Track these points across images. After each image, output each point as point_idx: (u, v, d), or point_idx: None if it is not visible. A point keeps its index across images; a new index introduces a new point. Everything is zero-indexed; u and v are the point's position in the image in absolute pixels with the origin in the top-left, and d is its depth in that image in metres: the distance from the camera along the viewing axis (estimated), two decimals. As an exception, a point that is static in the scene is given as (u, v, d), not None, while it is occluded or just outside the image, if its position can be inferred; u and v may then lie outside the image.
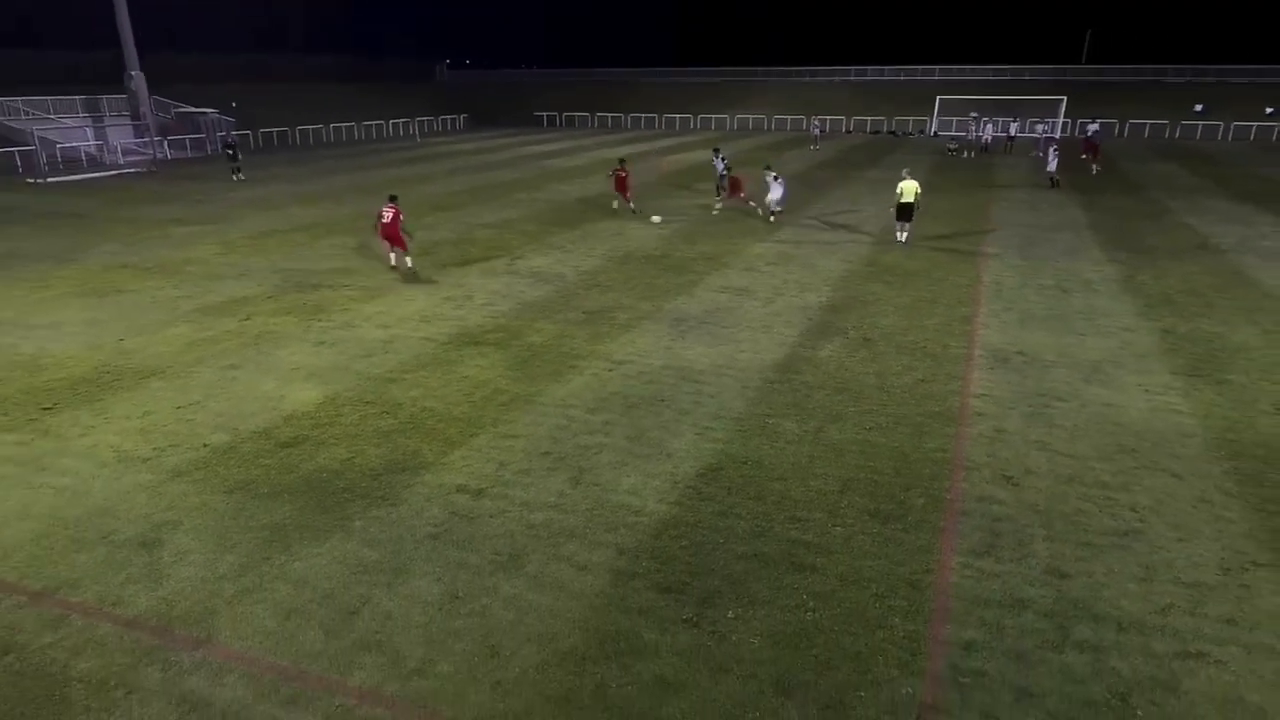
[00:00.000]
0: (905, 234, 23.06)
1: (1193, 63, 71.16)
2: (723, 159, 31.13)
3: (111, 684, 6.48)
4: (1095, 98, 65.99)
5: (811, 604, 7.41)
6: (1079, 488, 9.47)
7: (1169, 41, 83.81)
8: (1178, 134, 62.83)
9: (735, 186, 27.81)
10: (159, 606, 7.43)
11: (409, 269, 20.13)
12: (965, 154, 49.57)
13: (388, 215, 19.50)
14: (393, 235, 19.64)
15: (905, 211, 22.62)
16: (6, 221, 28.35)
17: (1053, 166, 34.66)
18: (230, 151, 40.73)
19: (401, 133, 70.56)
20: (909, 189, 22.35)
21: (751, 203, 27.65)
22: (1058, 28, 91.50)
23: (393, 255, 20.42)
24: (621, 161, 28.80)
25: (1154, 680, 6.49)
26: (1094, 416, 11.42)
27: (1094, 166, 39.69)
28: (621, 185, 28.44)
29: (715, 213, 27.84)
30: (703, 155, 50.14)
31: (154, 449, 10.60)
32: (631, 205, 28.39)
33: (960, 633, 7.02)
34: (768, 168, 27.34)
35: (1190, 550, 8.23)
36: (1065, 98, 62.42)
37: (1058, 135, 53.41)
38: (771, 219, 26.32)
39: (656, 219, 26.14)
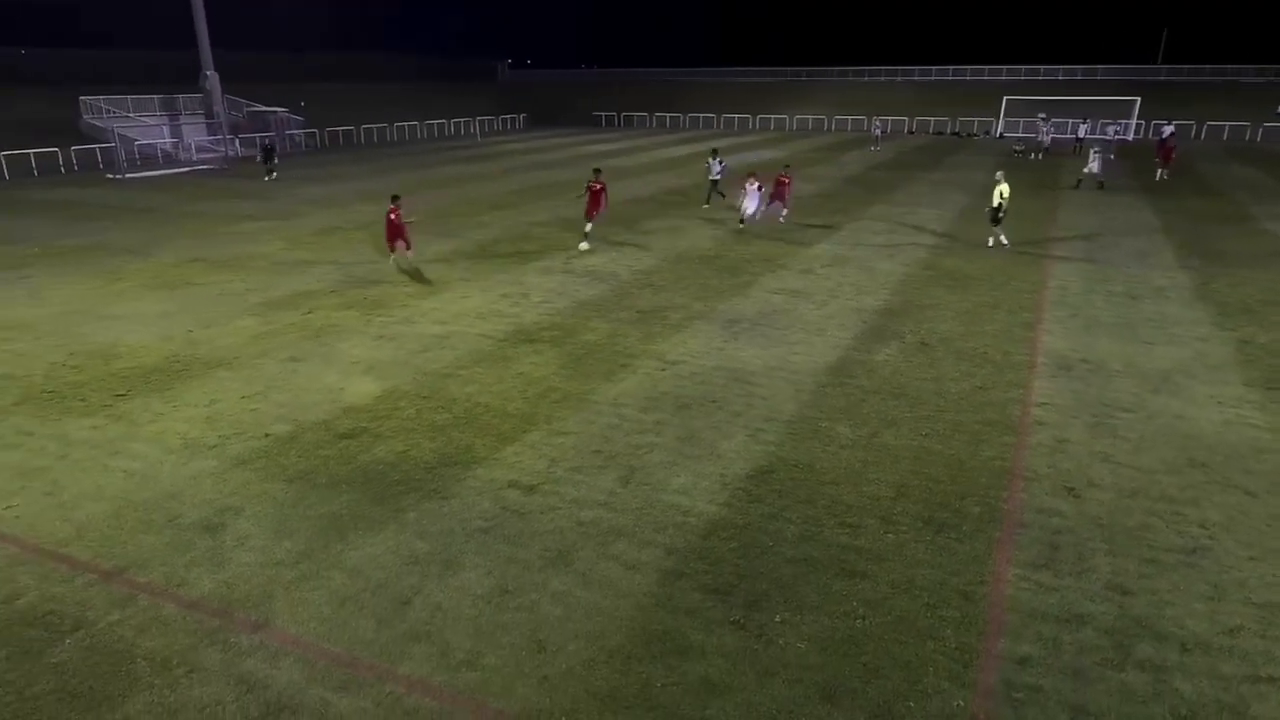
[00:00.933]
0: (996, 238, 22.34)
1: (1275, 62, 68.21)
2: (720, 163, 29.52)
3: (174, 662, 6.71)
4: (1170, 98, 63.71)
5: (861, 611, 7.31)
6: (1144, 502, 9.16)
7: (1249, 40, 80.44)
8: (1259, 136, 60.33)
9: (780, 189, 26.10)
10: (220, 589, 7.67)
11: (389, 264, 20.84)
12: (1033, 155, 48.36)
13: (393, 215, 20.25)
14: (396, 234, 20.29)
15: (994, 214, 21.90)
16: (89, 216, 29.59)
17: (1093, 168, 33.60)
18: (266, 155, 40.91)
19: (462, 131, 71.60)
20: (1007, 191, 21.53)
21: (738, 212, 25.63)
22: (1132, 26, 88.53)
23: (402, 254, 20.80)
24: (597, 172, 24.24)
25: (1220, 704, 6.24)
26: (1162, 428, 11.03)
27: (1161, 172, 37.87)
28: (596, 201, 23.25)
29: (741, 227, 25.29)
30: (760, 156, 49.82)
31: (219, 437, 10.94)
32: (588, 226, 23.47)
33: (1015, 647, 6.84)
34: (751, 175, 25.49)
35: (1263, 570, 7.89)
36: (1139, 98, 60.51)
37: (1117, 137, 51.65)
38: (742, 225, 25.16)
39: (584, 245, 22.58)
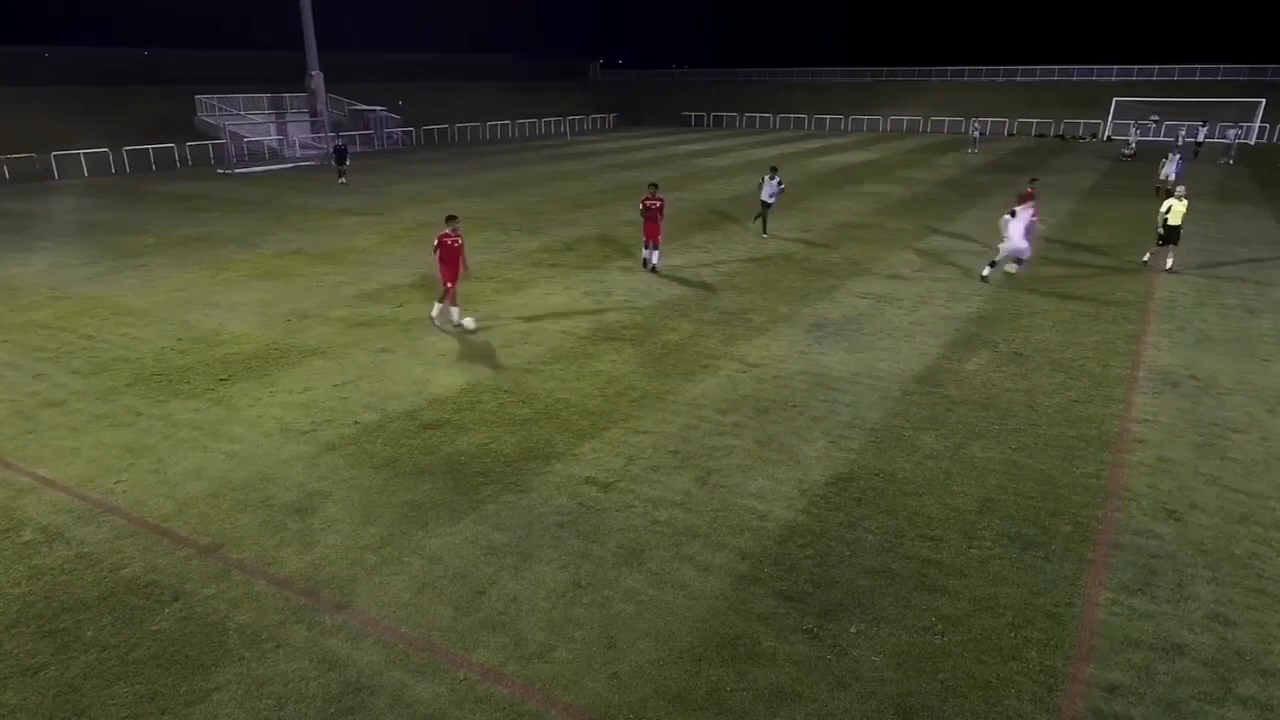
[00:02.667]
0: (1170, 259, 19.80)
1: None
2: (779, 182, 24.33)
3: (263, 637, 7.03)
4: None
5: (940, 627, 7.11)
6: (1254, 528, 8.63)
7: (1395, 37, 74.69)
8: (1400, 141, 55.97)
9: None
10: (307, 570, 7.99)
11: (433, 315, 16.10)
12: (1124, 155, 46.06)
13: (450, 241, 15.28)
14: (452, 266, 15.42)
15: (1172, 234, 19.58)
16: (200, 208, 31.26)
17: (1168, 172, 31.47)
18: (339, 157, 39.89)
19: (553, 131, 72.66)
20: (1178, 209, 19.36)
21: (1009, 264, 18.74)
22: (1257, 23, 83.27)
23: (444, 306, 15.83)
24: (654, 187, 20.13)
25: (1332, 749, 5.84)
26: (1277, 451, 10.37)
27: None
28: (655, 223, 19.65)
29: (1006, 272, 18.71)
30: (847, 159, 48.99)
31: (311, 423, 11.40)
32: (656, 258, 20.04)
33: (1104, 673, 6.55)
34: (1028, 198, 18.68)
35: (1386, 608, 7.34)
36: (1264, 100, 56.94)
37: (1238, 140, 48.52)
38: (1014, 269, 18.61)
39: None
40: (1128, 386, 12.52)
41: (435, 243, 15.52)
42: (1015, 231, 18.12)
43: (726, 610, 7.35)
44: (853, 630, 7.07)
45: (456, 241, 15.41)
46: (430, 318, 16.18)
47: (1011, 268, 18.69)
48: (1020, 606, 7.36)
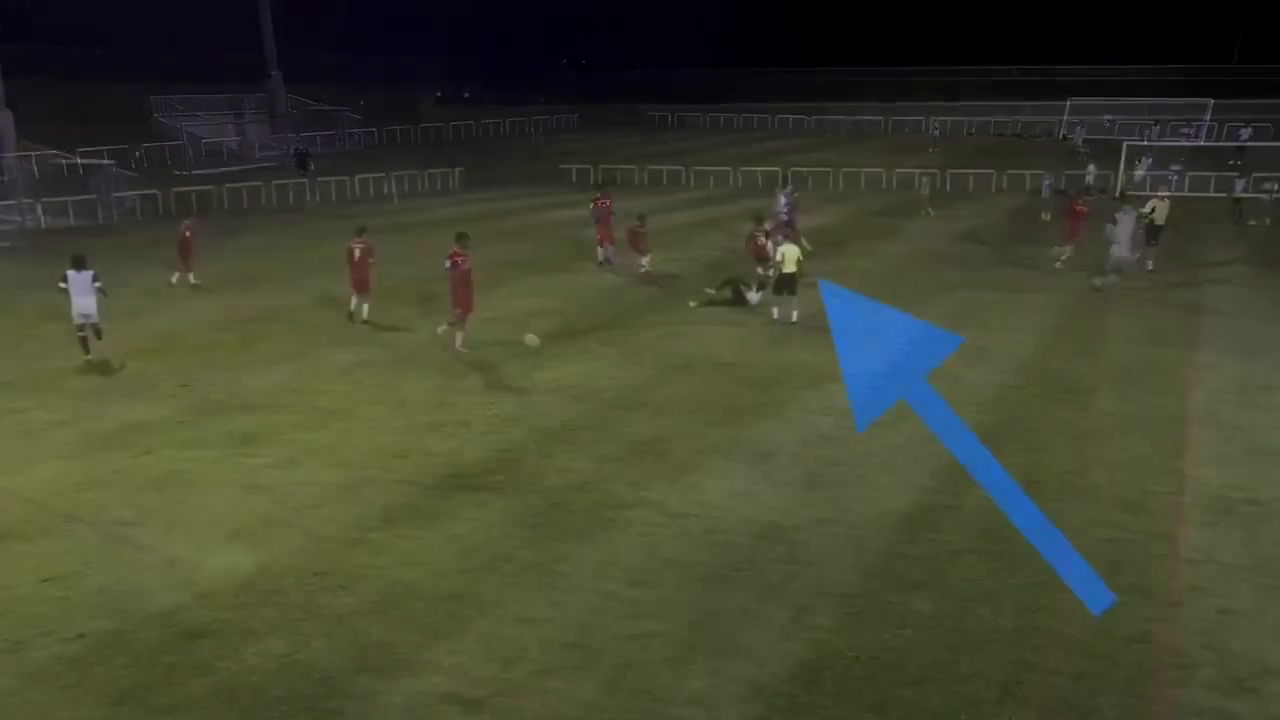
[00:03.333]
0: (1150, 261, 19.31)
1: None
2: (792, 192, 21.28)
3: None
4: (1248, 100, 57.59)
5: None
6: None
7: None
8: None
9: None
10: None
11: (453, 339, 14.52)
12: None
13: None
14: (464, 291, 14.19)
15: (1154, 233, 19.32)
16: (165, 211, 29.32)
17: (1141, 175, 30.16)
18: (301, 161, 39.80)
19: (519, 131, 70.07)
20: (1163, 209, 19.22)
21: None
22: (1205, 23, 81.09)
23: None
24: (602, 189, 20.39)
25: None
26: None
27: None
28: (605, 223, 19.71)
29: (1098, 285, 17.40)
30: (823, 157, 46.82)
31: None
32: (608, 253, 19.80)
33: None
34: (1122, 199, 17.96)
35: None
36: (1211, 100, 55.11)
37: (1190, 142, 46.60)
38: (1099, 285, 17.10)
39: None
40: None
41: (448, 263, 13.82)
42: (1122, 237, 16.82)
43: None
44: None
45: (463, 261, 13.77)
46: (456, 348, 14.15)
47: (1112, 278, 17.34)
48: None
